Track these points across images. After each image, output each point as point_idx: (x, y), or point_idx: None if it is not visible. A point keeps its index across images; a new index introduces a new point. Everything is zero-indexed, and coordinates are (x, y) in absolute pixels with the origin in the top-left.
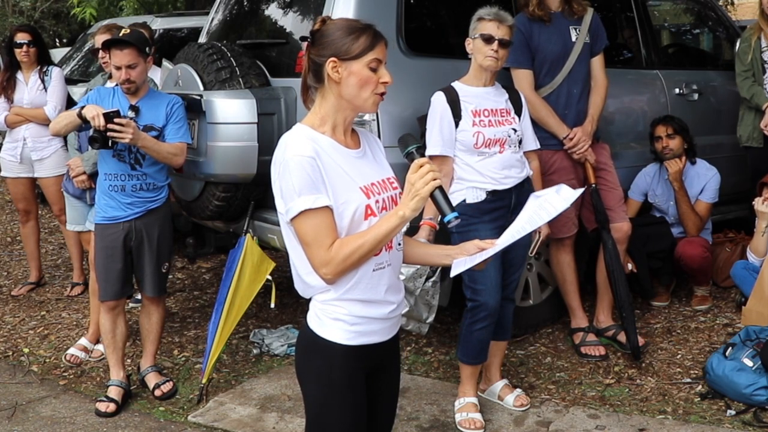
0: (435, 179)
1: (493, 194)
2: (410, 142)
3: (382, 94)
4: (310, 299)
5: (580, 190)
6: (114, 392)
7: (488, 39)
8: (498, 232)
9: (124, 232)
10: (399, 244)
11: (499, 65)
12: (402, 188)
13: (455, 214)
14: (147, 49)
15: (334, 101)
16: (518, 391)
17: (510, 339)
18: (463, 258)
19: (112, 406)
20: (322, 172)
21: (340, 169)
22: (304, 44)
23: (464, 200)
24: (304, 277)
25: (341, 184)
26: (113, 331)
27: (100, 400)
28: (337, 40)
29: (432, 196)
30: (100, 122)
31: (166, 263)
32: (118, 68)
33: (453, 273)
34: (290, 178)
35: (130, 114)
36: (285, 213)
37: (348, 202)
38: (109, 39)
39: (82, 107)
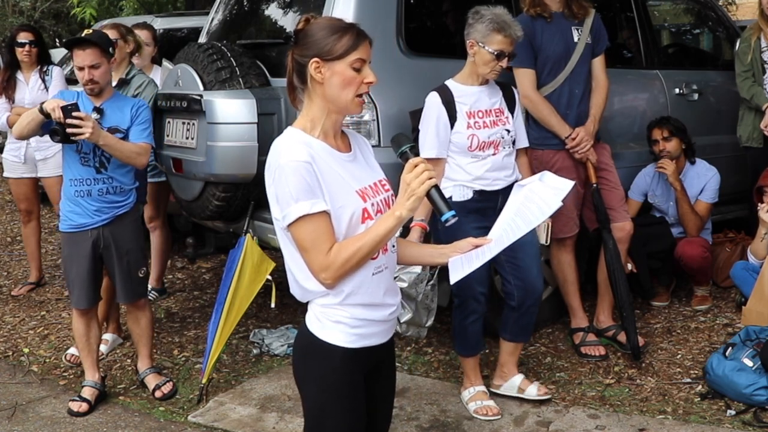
0: (430, 178)
1: (480, 194)
2: (403, 141)
3: (363, 95)
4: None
5: (570, 182)
6: (87, 392)
7: (500, 55)
8: (484, 233)
9: (92, 239)
10: (393, 246)
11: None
12: (393, 190)
13: (452, 212)
14: (110, 49)
15: (321, 102)
16: (537, 382)
17: (527, 341)
18: (459, 257)
19: (84, 406)
20: (319, 177)
21: (335, 173)
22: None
23: (450, 197)
24: (302, 282)
25: (337, 189)
26: (87, 335)
27: (73, 400)
28: (319, 40)
29: (428, 195)
30: (58, 114)
31: (142, 268)
32: (81, 69)
33: (453, 279)
34: (286, 184)
35: (95, 115)
36: (282, 219)
37: (345, 206)
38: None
39: (43, 103)
